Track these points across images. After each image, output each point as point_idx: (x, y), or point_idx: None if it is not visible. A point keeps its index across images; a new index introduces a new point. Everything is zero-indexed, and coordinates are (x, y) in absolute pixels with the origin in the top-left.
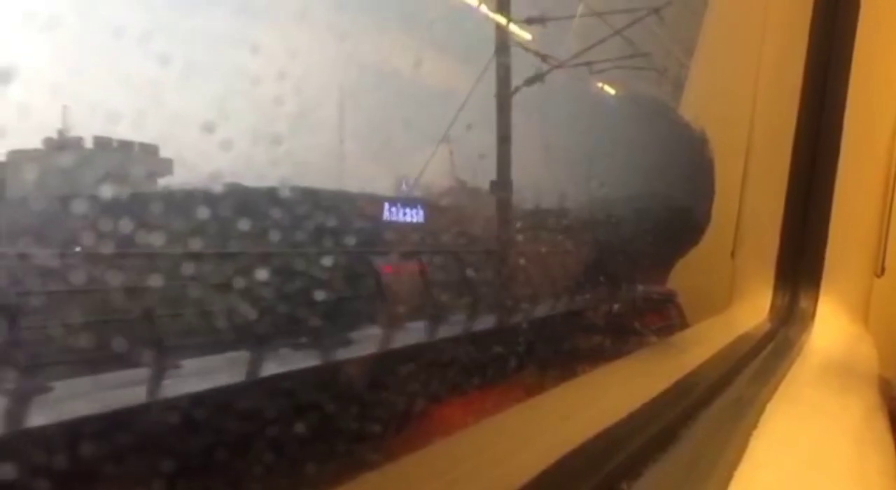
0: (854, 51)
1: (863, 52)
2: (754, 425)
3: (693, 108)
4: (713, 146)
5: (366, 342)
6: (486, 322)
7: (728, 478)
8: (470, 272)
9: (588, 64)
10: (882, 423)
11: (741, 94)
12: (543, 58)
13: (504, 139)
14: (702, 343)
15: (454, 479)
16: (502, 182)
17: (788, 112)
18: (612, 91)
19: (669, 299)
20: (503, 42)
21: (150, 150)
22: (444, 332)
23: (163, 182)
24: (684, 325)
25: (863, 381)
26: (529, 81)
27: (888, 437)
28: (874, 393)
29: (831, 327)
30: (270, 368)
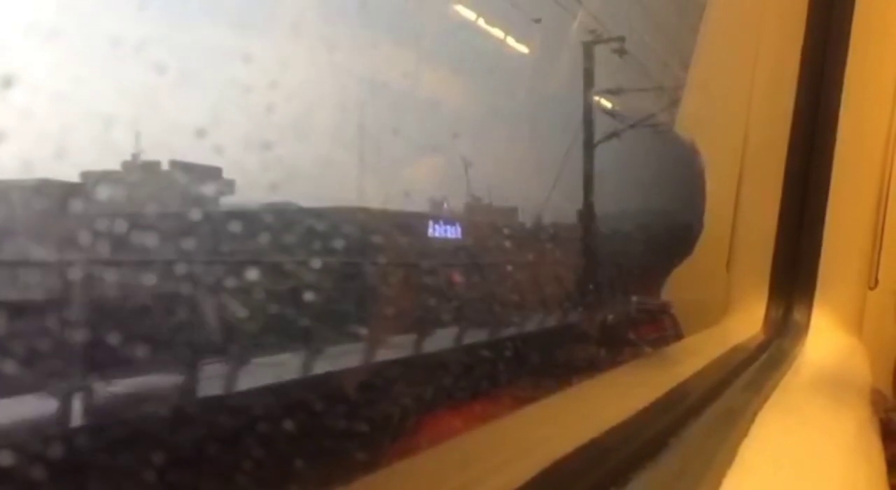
0: (847, 64)
1: (855, 66)
2: (744, 434)
3: (688, 122)
4: (708, 159)
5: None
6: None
7: (717, 485)
8: (512, 282)
9: (656, 125)
10: (873, 435)
11: (736, 109)
12: (615, 116)
13: (588, 179)
14: (695, 354)
15: (447, 486)
16: (587, 212)
17: (782, 126)
18: (608, 104)
19: (665, 311)
20: (588, 107)
21: (214, 172)
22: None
23: (224, 200)
24: (679, 336)
25: (855, 392)
26: (608, 137)
27: (879, 448)
28: (866, 404)
29: (825, 339)
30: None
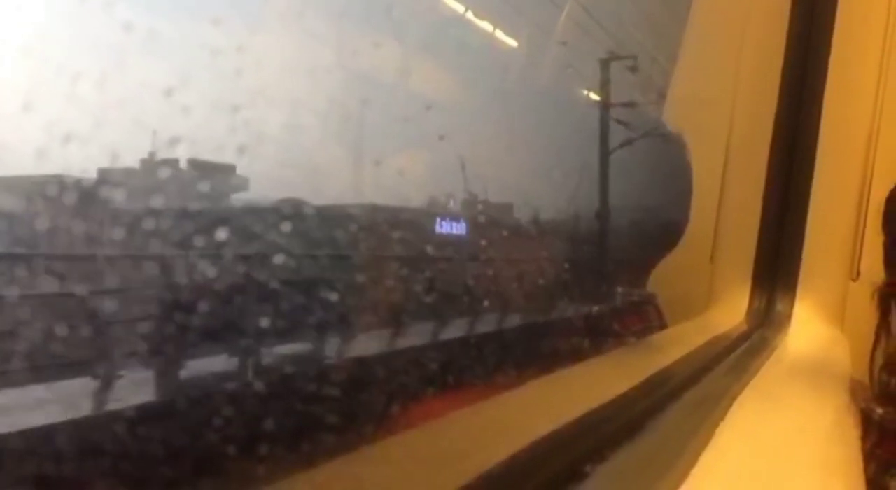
0: (829, 59)
1: (838, 60)
2: (722, 417)
3: (674, 115)
4: (694, 152)
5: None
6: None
7: (692, 463)
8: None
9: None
10: (850, 422)
11: (720, 103)
12: (627, 125)
13: (604, 182)
14: (677, 343)
15: (430, 458)
16: (603, 211)
17: (765, 120)
18: (596, 97)
19: (650, 302)
20: (605, 116)
21: (229, 170)
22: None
23: (236, 197)
24: (664, 327)
25: (834, 381)
26: (622, 145)
27: (855, 435)
28: (844, 393)
29: (807, 329)
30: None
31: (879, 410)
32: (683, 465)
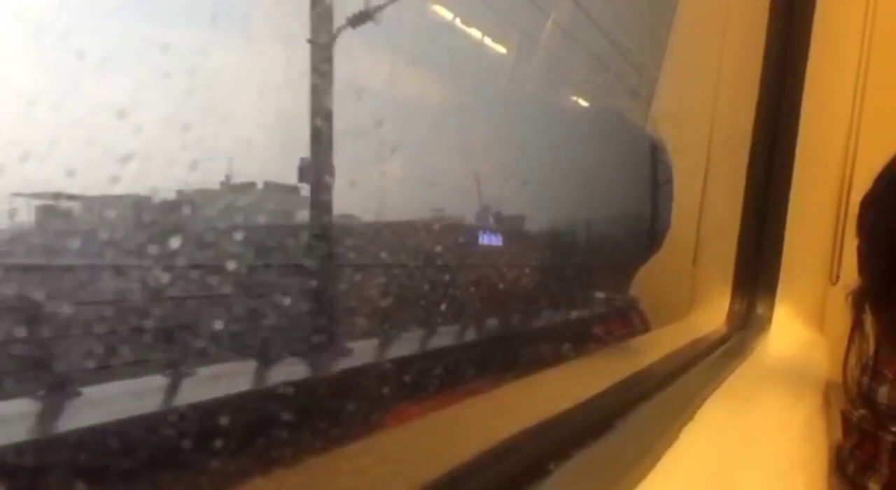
0: (807, 65)
1: (816, 67)
2: (691, 417)
3: (659, 120)
4: (677, 158)
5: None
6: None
7: (656, 461)
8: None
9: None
10: (821, 424)
11: (702, 109)
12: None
13: (655, 203)
14: (657, 346)
15: (405, 457)
16: (652, 229)
17: (745, 126)
18: (584, 103)
19: (633, 306)
20: (655, 149)
21: (294, 190)
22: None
23: (300, 214)
24: (647, 330)
25: (810, 383)
26: (664, 183)
27: (824, 435)
28: (819, 394)
29: (787, 332)
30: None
31: (856, 413)
32: (647, 462)
